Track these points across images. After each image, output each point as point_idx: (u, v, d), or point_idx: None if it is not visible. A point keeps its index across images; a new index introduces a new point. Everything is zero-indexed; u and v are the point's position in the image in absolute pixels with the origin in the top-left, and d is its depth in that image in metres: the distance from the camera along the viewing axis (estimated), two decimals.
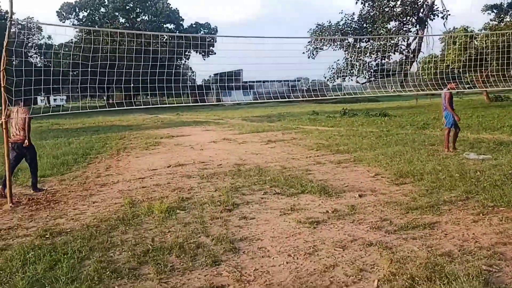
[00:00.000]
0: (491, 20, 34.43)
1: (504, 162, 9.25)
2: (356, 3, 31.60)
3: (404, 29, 31.90)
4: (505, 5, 34.11)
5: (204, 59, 69.89)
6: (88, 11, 68.44)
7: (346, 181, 8.35)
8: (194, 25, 72.89)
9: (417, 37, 31.06)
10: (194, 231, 5.65)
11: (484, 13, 35.20)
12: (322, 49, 32.53)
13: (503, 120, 19.06)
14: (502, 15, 34.20)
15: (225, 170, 9.99)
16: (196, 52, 66.85)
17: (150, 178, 9.53)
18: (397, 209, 6.30)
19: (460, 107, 31.39)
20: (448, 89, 11.54)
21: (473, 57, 22.69)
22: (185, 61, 65.21)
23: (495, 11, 34.44)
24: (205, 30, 72.87)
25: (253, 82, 66.04)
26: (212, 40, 63.57)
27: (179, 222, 6.06)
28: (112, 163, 11.94)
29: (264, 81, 65.12)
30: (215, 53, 67.15)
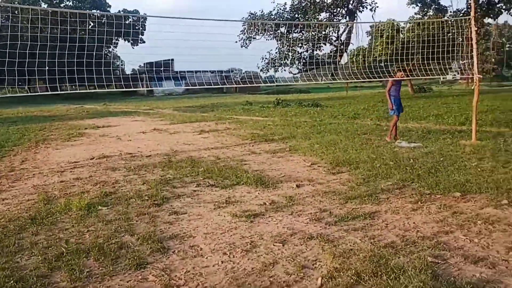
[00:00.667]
0: (415, 13, 35.84)
1: (435, 150, 9.39)
2: None
3: (335, 20, 32.40)
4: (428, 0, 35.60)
5: (133, 48, 67.36)
6: None
7: (282, 171, 8.03)
8: (121, 12, 69.89)
9: (347, 29, 31.67)
10: (117, 230, 5.05)
11: (409, 7, 36.56)
12: (255, 38, 32.29)
13: (428, 109, 19.80)
14: (425, 9, 35.69)
15: (155, 162, 9.34)
16: (124, 41, 64.30)
17: (70, 172, 8.68)
18: (336, 199, 6.06)
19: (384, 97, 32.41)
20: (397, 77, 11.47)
21: (401, 49, 23.38)
22: (112, 49, 62.49)
23: (419, 4, 35.86)
24: (133, 18, 70.08)
25: (185, 72, 64.62)
26: (140, 28, 61.33)
27: (100, 220, 5.42)
28: (29, 156, 10.85)
29: (196, 71, 63.80)
30: (144, 42, 65.12)
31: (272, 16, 31.42)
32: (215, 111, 25.66)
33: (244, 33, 32.05)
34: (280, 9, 32.01)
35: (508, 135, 10.92)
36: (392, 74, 12.57)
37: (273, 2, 34.57)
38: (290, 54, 30.12)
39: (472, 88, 10.95)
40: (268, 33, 31.19)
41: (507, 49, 76.71)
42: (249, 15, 32.04)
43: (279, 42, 30.05)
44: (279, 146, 10.89)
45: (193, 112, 25.42)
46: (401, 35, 30.44)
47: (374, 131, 12.91)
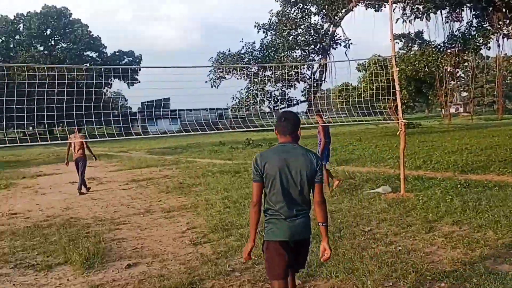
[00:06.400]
0: (400, 49, 34.94)
1: (345, 207, 8.11)
2: (258, 32, 30.91)
3: (309, 58, 31.44)
4: (412, 35, 34.80)
5: (129, 88, 67.18)
6: (1, 38, 64.07)
7: (145, 240, 6.80)
8: (117, 53, 70.33)
9: (320, 66, 30.74)
10: None
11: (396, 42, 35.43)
12: (225, 78, 31.39)
13: (394, 151, 18.46)
14: (410, 44, 34.89)
15: (19, 226, 8.10)
16: (120, 80, 64.03)
17: None
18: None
19: (370, 135, 31.24)
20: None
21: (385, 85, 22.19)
22: (106, 90, 62.30)
23: (403, 40, 35.05)
24: (129, 59, 70.50)
25: (177, 110, 64.05)
26: (136, 69, 61.41)
27: None
28: None
29: (191, 110, 62.22)
30: (139, 82, 64.62)
31: (241, 55, 30.55)
32: (184, 153, 24.64)
33: (214, 73, 31.16)
34: (249, 47, 31.17)
35: (448, 182, 9.63)
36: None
37: (241, 41, 32.53)
38: (259, 93, 29.10)
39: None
40: (239, 73, 30.24)
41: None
42: (217, 55, 31.28)
43: (248, 81, 29.11)
44: (186, 201, 9.69)
45: (162, 154, 24.41)
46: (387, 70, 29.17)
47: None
